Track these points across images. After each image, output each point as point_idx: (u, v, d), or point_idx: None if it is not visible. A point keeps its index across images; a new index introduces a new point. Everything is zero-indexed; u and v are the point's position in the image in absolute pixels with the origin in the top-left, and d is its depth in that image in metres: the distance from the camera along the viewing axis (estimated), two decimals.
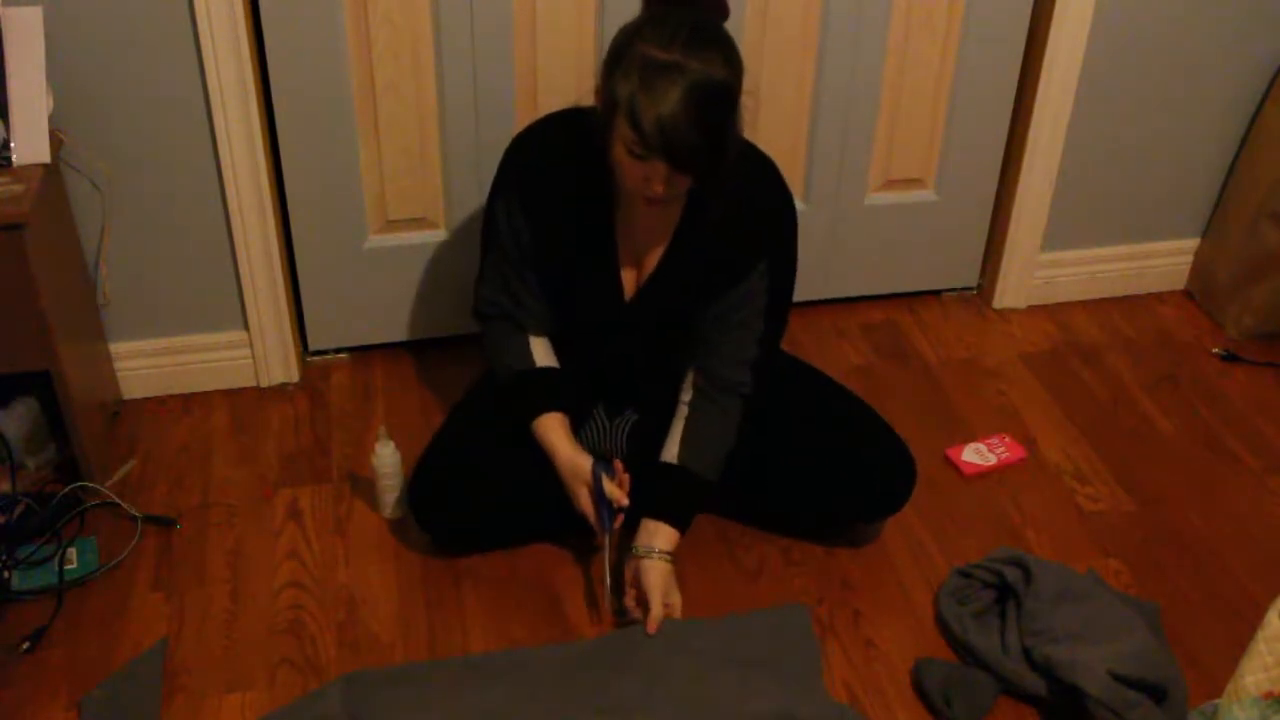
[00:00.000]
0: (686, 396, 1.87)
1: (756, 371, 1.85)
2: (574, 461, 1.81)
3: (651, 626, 1.76)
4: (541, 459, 1.85)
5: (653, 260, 1.82)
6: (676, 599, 1.80)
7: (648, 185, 1.61)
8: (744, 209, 1.76)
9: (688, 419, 1.86)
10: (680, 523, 1.82)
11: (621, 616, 1.83)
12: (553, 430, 1.84)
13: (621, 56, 1.58)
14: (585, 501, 1.81)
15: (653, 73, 1.53)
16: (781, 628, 1.83)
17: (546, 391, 1.87)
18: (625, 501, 1.79)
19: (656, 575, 1.78)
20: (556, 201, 1.79)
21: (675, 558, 1.81)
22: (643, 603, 1.79)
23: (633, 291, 1.85)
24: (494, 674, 1.73)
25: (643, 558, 1.79)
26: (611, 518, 1.80)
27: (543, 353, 1.89)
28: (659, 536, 1.80)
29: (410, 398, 2.30)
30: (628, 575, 1.82)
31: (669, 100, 1.52)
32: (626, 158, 1.59)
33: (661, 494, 1.84)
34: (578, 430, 1.98)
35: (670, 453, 1.84)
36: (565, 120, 1.83)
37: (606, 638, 1.80)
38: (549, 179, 1.79)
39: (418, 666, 1.76)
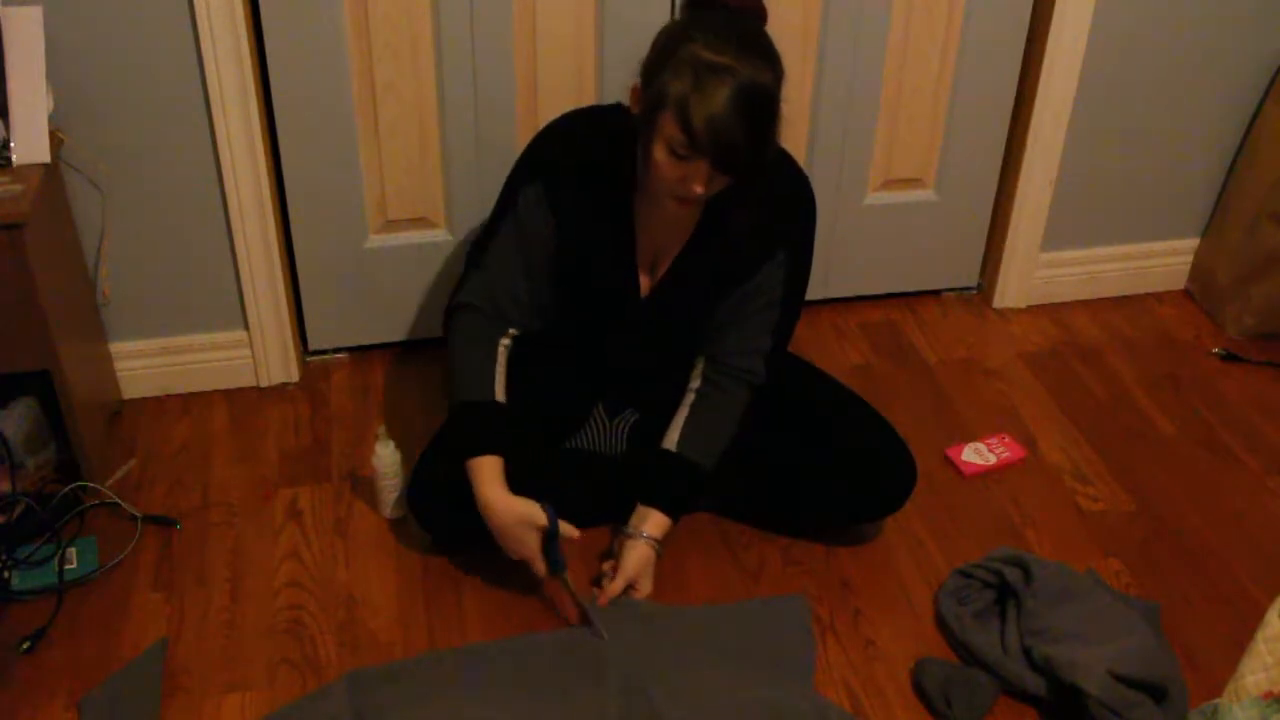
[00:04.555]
0: (695, 384, 1.88)
1: (768, 362, 1.85)
2: (517, 510, 1.72)
3: (602, 599, 1.78)
4: (541, 460, 1.85)
5: (669, 258, 1.82)
6: (647, 584, 1.83)
7: (684, 186, 1.60)
8: (764, 200, 1.76)
9: (693, 406, 1.87)
10: (671, 509, 1.84)
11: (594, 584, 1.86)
12: (488, 477, 1.73)
13: (670, 56, 1.56)
14: (532, 546, 1.75)
15: (706, 74, 1.52)
16: (779, 619, 1.84)
17: (489, 430, 1.77)
18: (576, 534, 1.77)
19: (634, 555, 1.80)
20: (580, 195, 1.79)
21: (662, 545, 1.83)
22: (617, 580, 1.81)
23: (648, 289, 1.86)
24: (492, 664, 1.74)
25: (629, 536, 1.82)
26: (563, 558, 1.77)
27: (500, 380, 1.81)
28: (648, 521, 1.82)
29: (410, 398, 2.30)
30: (615, 550, 1.85)
31: (720, 101, 1.51)
32: (668, 158, 1.58)
33: (655, 480, 1.85)
34: (577, 430, 1.99)
35: (670, 439, 1.86)
36: (589, 116, 1.84)
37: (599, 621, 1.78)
38: (574, 172, 1.79)
39: (418, 660, 1.76)
